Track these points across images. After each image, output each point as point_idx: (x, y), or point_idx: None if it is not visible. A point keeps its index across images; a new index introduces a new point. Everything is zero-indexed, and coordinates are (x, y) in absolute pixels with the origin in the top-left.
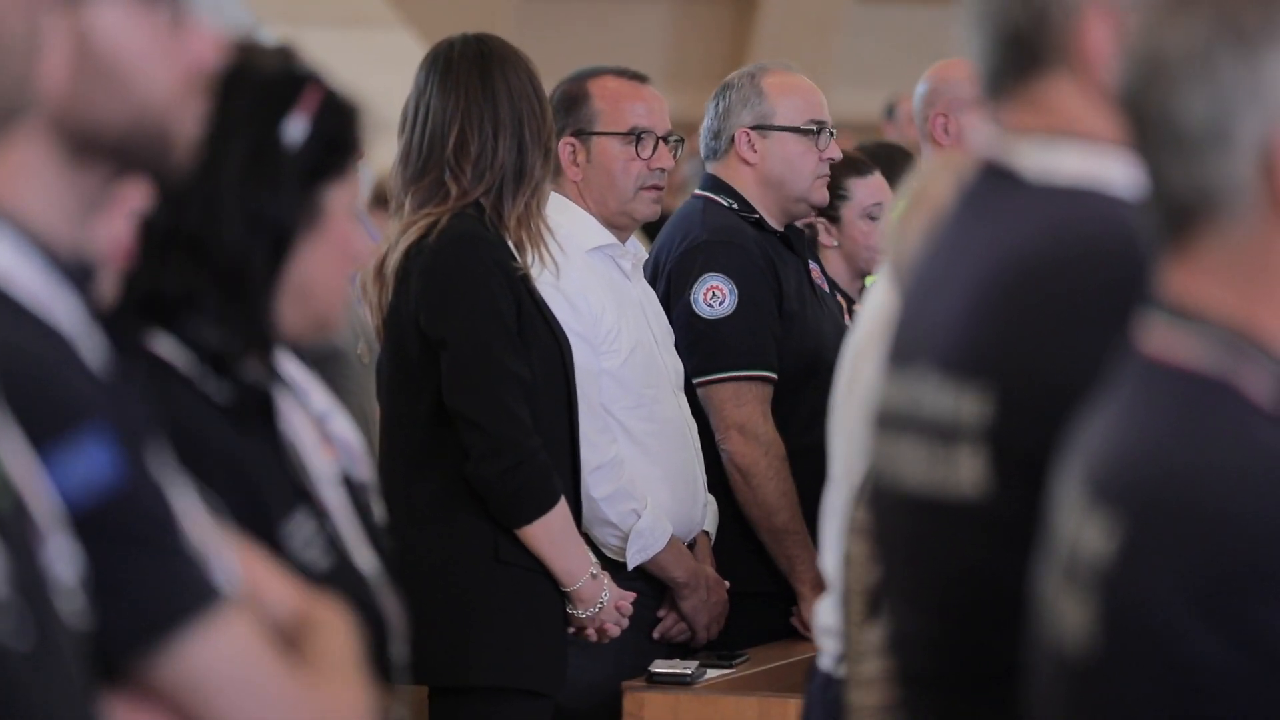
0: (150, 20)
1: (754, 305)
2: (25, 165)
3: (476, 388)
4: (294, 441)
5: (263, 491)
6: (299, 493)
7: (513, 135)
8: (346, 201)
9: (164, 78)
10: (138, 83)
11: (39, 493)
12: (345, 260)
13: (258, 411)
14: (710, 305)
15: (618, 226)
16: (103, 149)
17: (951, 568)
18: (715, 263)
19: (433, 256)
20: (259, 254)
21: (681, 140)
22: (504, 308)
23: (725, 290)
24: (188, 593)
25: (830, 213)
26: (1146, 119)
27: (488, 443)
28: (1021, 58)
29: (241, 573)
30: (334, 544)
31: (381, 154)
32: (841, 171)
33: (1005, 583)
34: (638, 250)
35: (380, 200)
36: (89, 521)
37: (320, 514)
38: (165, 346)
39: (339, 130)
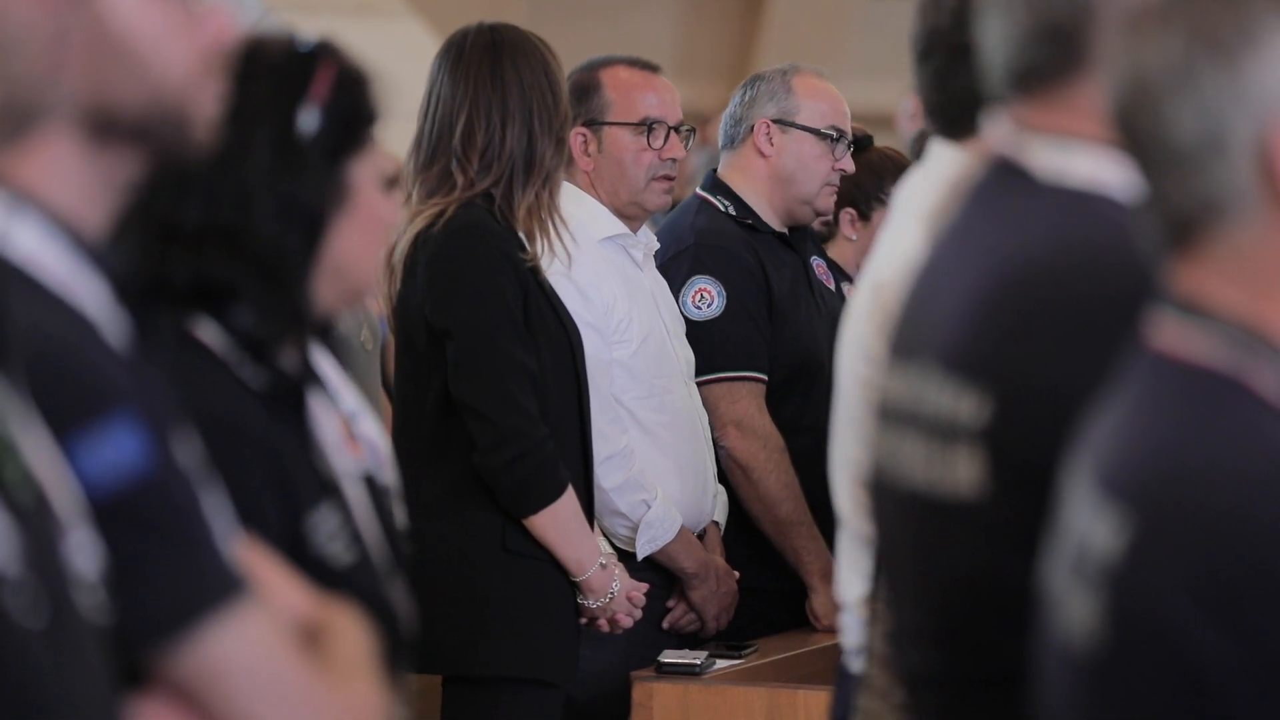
0: (163, 2)
1: (742, 307)
2: (49, 150)
3: (482, 378)
4: (320, 435)
5: (294, 480)
6: (325, 485)
7: (522, 125)
8: (371, 172)
9: (179, 58)
10: (153, 63)
11: (62, 485)
12: (377, 230)
13: (290, 401)
14: (699, 308)
15: (629, 216)
16: (123, 131)
17: (950, 566)
18: (703, 265)
19: (439, 246)
20: (295, 241)
21: (693, 130)
22: (510, 298)
23: (714, 292)
24: (211, 585)
25: (863, 209)
26: (1140, 138)
27: (493, 433)
28: (1058, 55)
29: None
30: (357, 539)
31: (392, 143)
32: (890, 173)
33: (1004, 584)
34: (649, 240)
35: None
36: (114, 508)
37: (345, 508)
38: (206, 331)
39: (354, 104)
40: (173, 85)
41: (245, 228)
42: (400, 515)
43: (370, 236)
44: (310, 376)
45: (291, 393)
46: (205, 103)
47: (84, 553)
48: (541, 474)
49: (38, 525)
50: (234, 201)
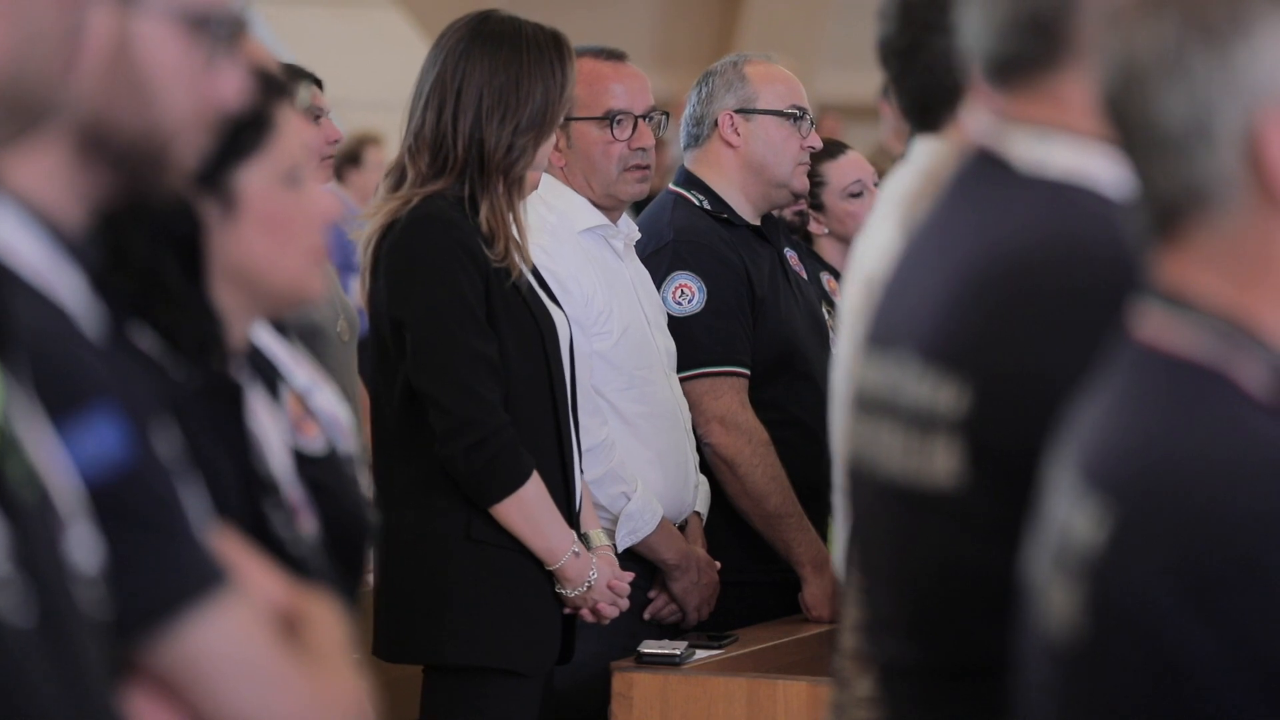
0: (189, 47)
1: (723, 302)
2: (41, 156)
3: (437, 367)
4: (258, 433)
5: (243, 472)
6: (265, 484)
7: (474, 121)
8: (268, 173)
9: (184, 103)
10: (159, 99)
11: (62, 480)
12: (283, 231)
13: (226, 399)
14: (679, 304)
15: (605, 208)
16: (107, 152)
17: (928, 556)
18: (683, 262)
19: (396, 238)
20: (170, 262)
21: (667, 115)
22: (466, 288)
23: (694, 288)
24: (191, 575)
25: (813, 202)
26: (1128, 123)
27: (450, 422)
28: (1039, 46)
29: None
30: (299, 539)
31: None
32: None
33: (981, 575)
34: (630, 230)
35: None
36: (95, 500)
37: (284, 507)
38: (140, 336)
39: (236, 113)
40: (168, 127)
41: (121, 251)
42: (365, 483)
43: (275, 238)
44: (244, 375)
45: (226, 392)
46: (188, 154)
47: (83, 548)
48: (500, 461)
49: (38, 522)
50: (107, 225)
